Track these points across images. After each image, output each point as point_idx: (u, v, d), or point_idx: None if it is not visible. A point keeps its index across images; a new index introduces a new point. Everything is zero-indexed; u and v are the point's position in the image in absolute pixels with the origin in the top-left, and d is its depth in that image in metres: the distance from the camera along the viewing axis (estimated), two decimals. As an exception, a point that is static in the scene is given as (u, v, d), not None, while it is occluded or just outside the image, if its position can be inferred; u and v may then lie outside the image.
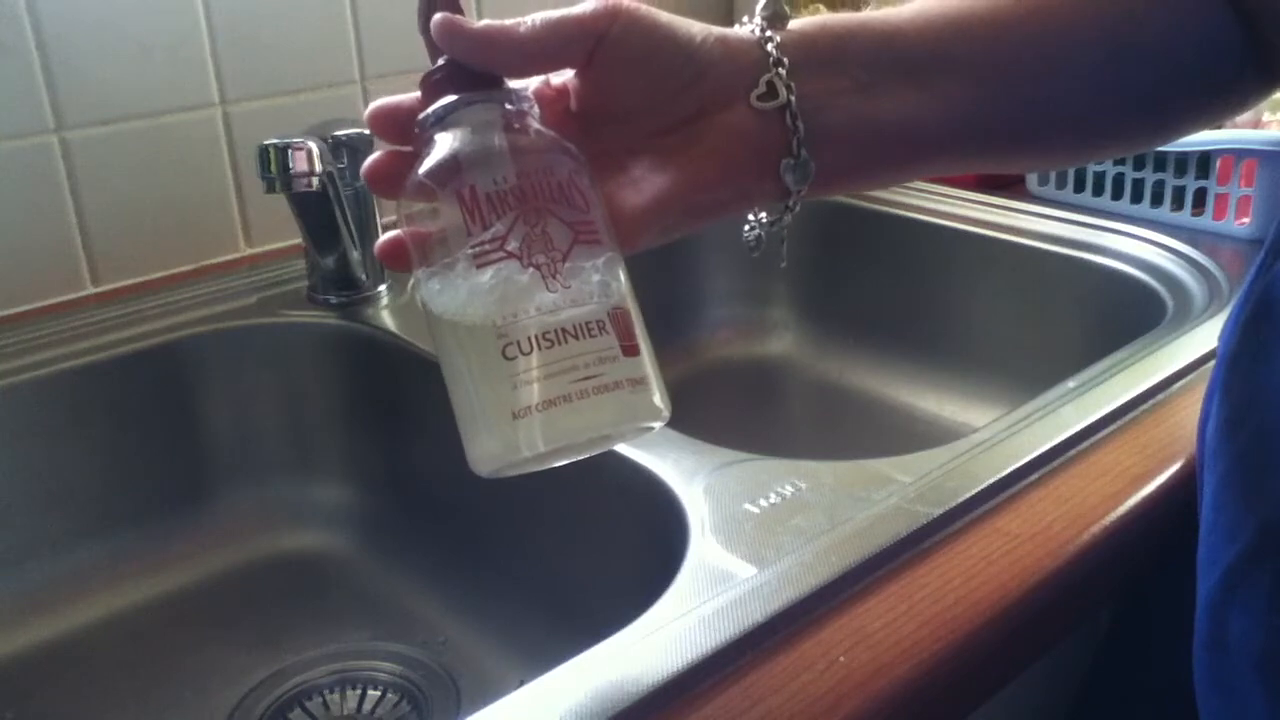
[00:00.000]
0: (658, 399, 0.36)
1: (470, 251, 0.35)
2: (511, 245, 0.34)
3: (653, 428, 0.37)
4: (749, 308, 1.09)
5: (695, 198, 0.38)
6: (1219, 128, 0.89)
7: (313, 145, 0.73)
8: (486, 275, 0.34)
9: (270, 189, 0.74)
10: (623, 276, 0.36)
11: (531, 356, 0.34)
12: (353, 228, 0.81)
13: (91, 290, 0.86)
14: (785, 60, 0.38)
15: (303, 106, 0.92)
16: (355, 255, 0.82)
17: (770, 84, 0.38)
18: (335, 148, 0.77)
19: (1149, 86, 0.42)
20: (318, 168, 0.74)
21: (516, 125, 0.37)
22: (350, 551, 0.81)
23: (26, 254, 0.82)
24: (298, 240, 0.85)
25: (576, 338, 0.34)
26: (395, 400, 0.80)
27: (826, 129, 0.39)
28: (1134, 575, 0.57)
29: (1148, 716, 0.60)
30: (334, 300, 0.83)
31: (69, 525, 0.76)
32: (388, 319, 0.82)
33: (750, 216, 0.44)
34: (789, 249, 0.45)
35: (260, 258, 0.92)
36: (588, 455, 0.37)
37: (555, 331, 0.34)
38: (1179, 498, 0.55)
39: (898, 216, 0.99)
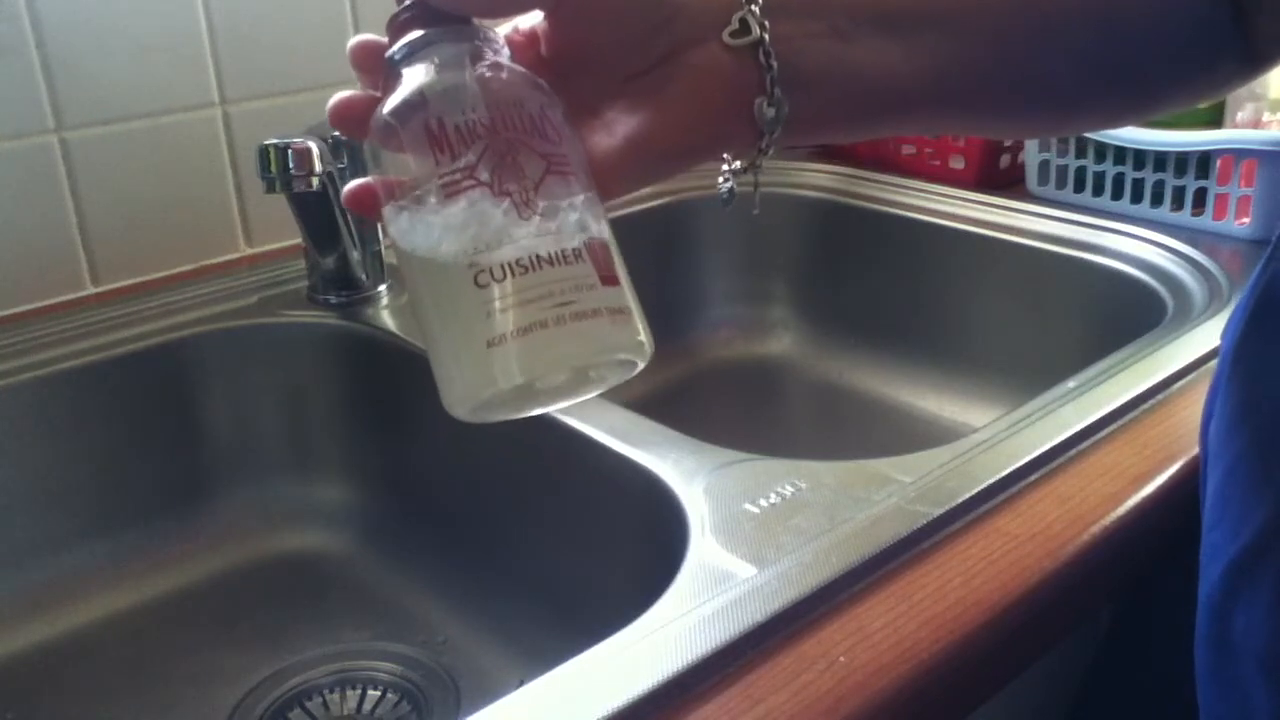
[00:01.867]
0: (641, 334, 0.34)
1: (440, 182, 0.33)
2: (482, 174, 0.33)
3: (635, 363, 0.35)
4: (749, 308, 1.09)
5: (670, 141, 0.37)
6: (1215, 125, 0.89)
7: (313, 145, 0.73)
8: (457, 205, 0.33)
9: (270, 189, 0.74)
10: (602, 216, 0.35)
11: (505, 283, 0.32)
12: (353, 228, 0.81)
13: (91, 290, 0.86)
14: None
15: (303, 106, 0.92)
16: (355, 255, 0.82)
17: (743, 20, 0.37)
18: (335, 148, 0.77)
19: (1135, 65, 0.42)
20: (318, 168, 0.74)
21: (486, 61, 0.36)
22: (350, 551, 0.81)
23: (26, 254, 0.82)
24: (298, 240, 0.85)
25: (552, 264, 0.33)
26: (395, 400, 0.80)
27: (801, 71, 0.38)
28: (1134, 575, 0.57)
29: (1148, 716, 0.60)
30: (334, 300, 0.83)
31: (69, 525, 0.76)
32: (388, 319, 0.81)
33: (724, 168, 0.43)
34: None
35: (260, 258, 0.92)
36: (568, 401, 0.36)
37: (530, 258, 0.33)
38: (1179, 498, 0.55)
39: (898, 216, 0.99)
